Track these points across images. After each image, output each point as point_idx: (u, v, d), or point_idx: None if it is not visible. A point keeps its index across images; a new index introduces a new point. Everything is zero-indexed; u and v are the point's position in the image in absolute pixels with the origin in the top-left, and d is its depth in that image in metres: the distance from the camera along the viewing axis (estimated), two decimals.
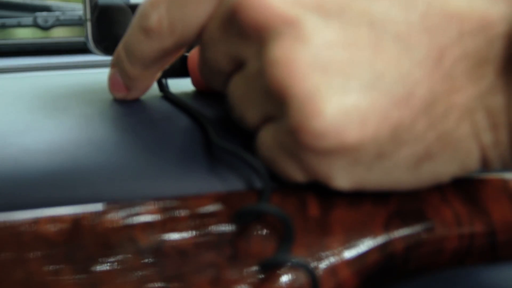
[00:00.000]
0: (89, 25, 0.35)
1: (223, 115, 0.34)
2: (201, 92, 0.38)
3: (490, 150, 0.26)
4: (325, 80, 0.24)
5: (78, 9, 0.77)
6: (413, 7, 0.24)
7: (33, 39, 0.73)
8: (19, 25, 0.75)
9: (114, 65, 0.33)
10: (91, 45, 0.35)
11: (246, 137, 0.31)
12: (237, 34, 0.26)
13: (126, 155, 0.29)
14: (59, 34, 0.79)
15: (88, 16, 0.35)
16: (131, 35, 0.30)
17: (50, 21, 0.74)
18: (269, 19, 0.24)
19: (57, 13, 0.74)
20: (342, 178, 0.26)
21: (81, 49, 0.72)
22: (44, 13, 0.74)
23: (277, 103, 0.25)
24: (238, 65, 0.27)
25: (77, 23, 0.75)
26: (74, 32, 0.82)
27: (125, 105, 0.35)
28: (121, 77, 0.33)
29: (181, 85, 0.38)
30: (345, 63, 0.24)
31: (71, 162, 0.28)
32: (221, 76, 0.29)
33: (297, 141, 0.25)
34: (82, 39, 0.73)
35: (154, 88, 0.37)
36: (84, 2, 0.35)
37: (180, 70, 0.37)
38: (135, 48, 0.30)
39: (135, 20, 0.30)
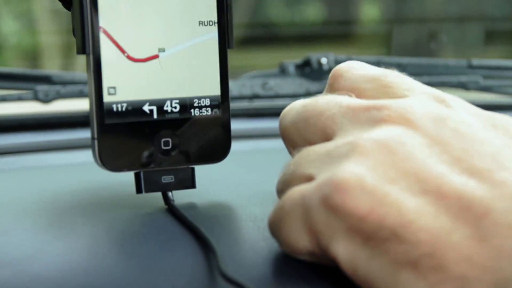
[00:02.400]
0: (96, 143, 0.37)
1: (229, 233, 0.36)
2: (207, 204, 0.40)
3: None
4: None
5: (78, 81, 0.80)
6: None
7: (33, 114, 0.76)
8: (20, 99, 0.77)
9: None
10: (99, 162, 0.38)
11: (252, 258, 0.33)
12: None
13: (133, 283, 0.31)
14: (60, 105, 0.81)
15: (96, 135, 0.37)
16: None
17: (51, 95, 0.77)
18: None
19: (57, 87, 0.77)
20: (340, 246, 0.29)
21: (82, 122, 0.74)
22: (45, 87, 0.77)
23: None
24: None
25: (78, 95, 0.78)
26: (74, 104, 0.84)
27: (130, 220, 0.38)
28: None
29: (187, 195, 0.41)
30: None
31: None
32: None
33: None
34: (83, 112, 0.75)
35: (159, 198, 0.39)
36: (91, 121, 0.38)
37: (187, 181, 0.39)
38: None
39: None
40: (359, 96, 0.34)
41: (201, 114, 0.39)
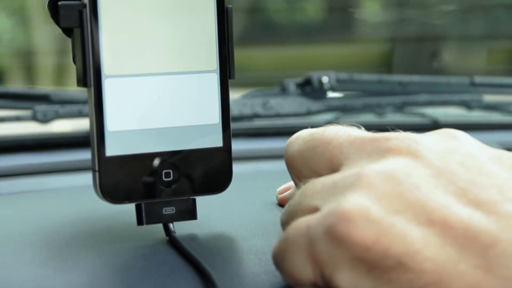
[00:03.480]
0: (97, 176, 0.38)
1: (230, 267, 0.36)
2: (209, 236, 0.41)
3: None
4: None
5: (77, 100, 0.80)
6: None
7: (32, 134, 0.76)
8: (18, 119, 0.78)
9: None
10: (100, 195, 0.38)
11: None
12: None
13: None
14: (59, 125, 0.82)
15: (97, 167, 0.38)
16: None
17: (49, 115, 0.77)
18: None
19: (56, 107, 0.78)
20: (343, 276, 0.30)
21: (81, 142, 0.75)
22: (43, 107, 0.77)
23: None
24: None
25: (77, 115, 0.78)
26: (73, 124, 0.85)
27: (131, 253, 0.38)
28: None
29: (188, 225, 0.41)
30: None
31: None
32: None
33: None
34: (82, 132, 0.76)
35: (160, 229, 0.40)
36: (92, 153, 0.38)
37: (188, 213, 0.40)
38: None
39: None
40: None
41: (202, 144, 0.40)
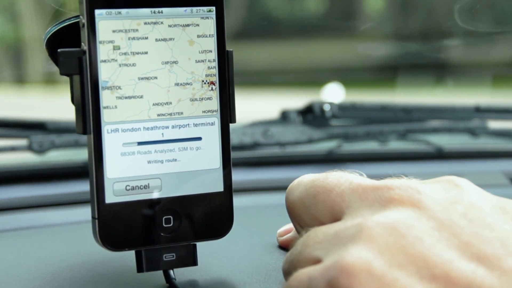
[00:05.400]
0: (97, 223, 0.39)
1: None
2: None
3: None
4: None
5: (73, 129, 0.81)
6: None
7: (27, 165, 0.77)
8: (13, 149, 0.79)
9: None
10: (100, 243, 0.39)
11: None
12: None
13: None
14: (54, 155, 0.83)
15: (96, 215, 0.39)
16: None
17: (45, 145, 0.78)
18: None
19: (52, 137, 0.78)
20: None
21: (78, 173, 0.76)
22: (39, 137, 0.78)
23: None
24: None
25: (73, 145, 0.79)
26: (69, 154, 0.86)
27: None
28: None
29: (189, 270, 0.42)
30: None
31: None
32: None
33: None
34: (79, 163, 0.77)
35: (160, 275, 0.41)
36: (92, 200, 0.39)
37: (188, 259, 0.41)
38: None
39: None
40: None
41: (202, 190, 0.41)
